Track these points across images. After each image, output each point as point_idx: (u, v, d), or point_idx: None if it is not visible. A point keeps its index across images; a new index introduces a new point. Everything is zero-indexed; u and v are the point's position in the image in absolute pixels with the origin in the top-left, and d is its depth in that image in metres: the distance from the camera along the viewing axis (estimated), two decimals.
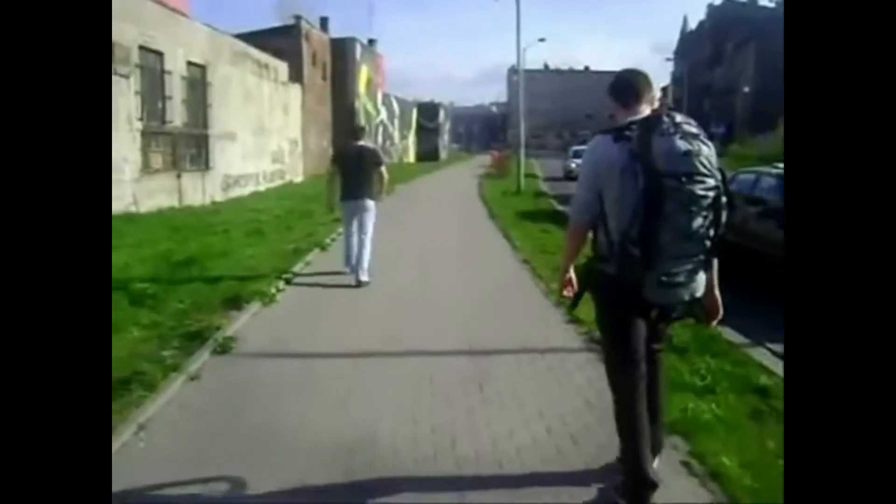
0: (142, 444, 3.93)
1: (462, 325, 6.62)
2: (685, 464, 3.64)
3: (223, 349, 5.68)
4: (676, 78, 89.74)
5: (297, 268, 9.33)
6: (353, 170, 8.63)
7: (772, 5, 68.76)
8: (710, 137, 3.02)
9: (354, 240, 8.63)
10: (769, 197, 8.49)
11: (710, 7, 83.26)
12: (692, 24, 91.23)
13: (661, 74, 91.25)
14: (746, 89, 62.14)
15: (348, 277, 8.54)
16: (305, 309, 7.32)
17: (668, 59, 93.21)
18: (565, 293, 3.51)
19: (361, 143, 8.98)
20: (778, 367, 5.23)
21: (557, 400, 4.63)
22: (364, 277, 8.41)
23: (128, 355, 5.42)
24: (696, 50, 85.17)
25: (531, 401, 4.61)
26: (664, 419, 3.59)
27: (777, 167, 9.23)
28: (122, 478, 3.50)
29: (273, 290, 7.74)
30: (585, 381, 4.95)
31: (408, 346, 5.92)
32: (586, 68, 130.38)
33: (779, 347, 5.70)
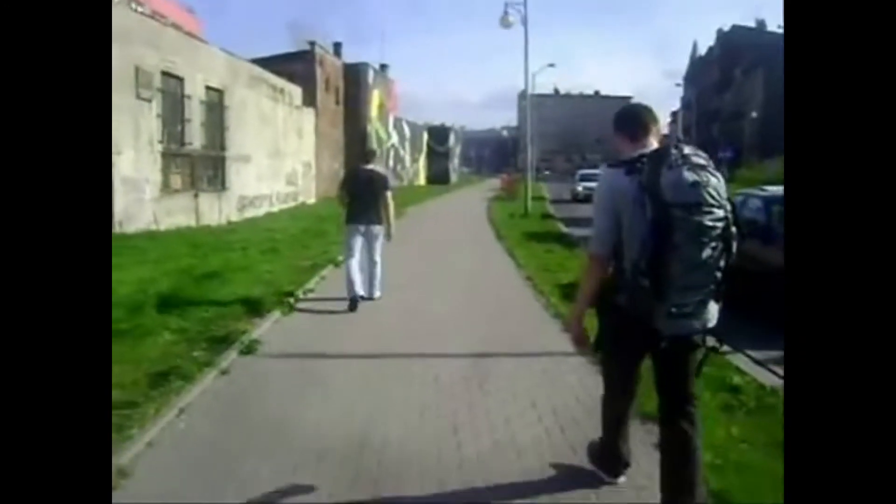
0: (182, 426, 4.50)
1: (467, 332, 7.18)
2: (656, 445, 4.15)
3: (248, 350, 6.27)
4: (686, 103, 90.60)
5: (314, 282, 9.88)
6: (361, 194, 8.54)
7: (780, 31, 69.34)
8: (719, 162, 3.16)
9: (357, 264, 8.41)
10: (756, 217, 9.05)
11: (720, 33, 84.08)
12: (702, 50, 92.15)
13: (671, 99, 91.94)
14: (754, 114, 62.74)
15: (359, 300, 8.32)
16: (321, 318, 7.87)
17: (677, 85, 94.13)
18: (577, 346, 3.56)
19: (371, 166, 8.92)
20: (752, 369, 5.74)
21: (550, 396, 5.15)
22: (377, 293, 8.62)
23: (161, 355, 6.00)
24: (705, 75, 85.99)
25: (526, 396, 5.13)
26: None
27: (764, 189, 9.81)
28: (166, 452, 4.08)
29: (292, 301, 8.32)
30: (576, 380, 5.48)
31: (416, 350, 6.48)
32: (596, 93, 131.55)
33: (757, 354, 6.21)
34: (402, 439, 4.33)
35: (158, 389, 4.95)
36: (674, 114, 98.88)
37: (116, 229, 15.47)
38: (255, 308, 7.78)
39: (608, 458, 3.77)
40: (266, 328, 7.14)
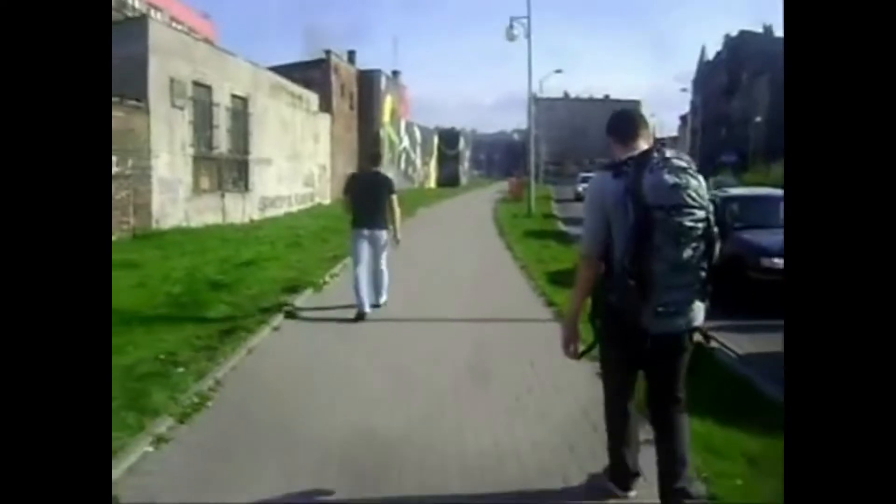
0: (252, 360, 6.15)
1: (466, 304, 8.87)
2: None
3: (291, 315, 7.89)
4: (694, 107, 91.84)
5: (338, 268, 11.46)
6: (365, 197, 8.23)
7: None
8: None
9: (364, 271, 8.16)
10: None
11: (727, 38, 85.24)
12: (710, 55, 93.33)
13: (682, 104, 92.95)
14: (759, 119, 63.95)
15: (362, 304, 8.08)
16: (347, 293, 9.39)
17: (683, 90, 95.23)
18: (569, 350, 3.50)
19: (377, 169, 8.79)
20: None
21: (525, 346, 6.73)
22: (383, 298, 8.46)
23: (222, 319, 7.56)
24: (712, 80, 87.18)
25: (508, 348, 6.72)
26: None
27: (724, 191, 11.47)
28: (245, 375, 5.69)
29: (321, 281, 9.95)
30: (546, 339, 6.91)
31: (425, 315, 8.17)
32: (606, 97, 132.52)
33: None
34: (413, 371, 5.91)
35: (230, 337, 6.57)
36: (683, 118, 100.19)
37: (153, 225, 17.13)
38: (291, 287, 9.38)
39: (616, 471, 3.65)
40: (303, 301, 8.78)
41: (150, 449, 4.13)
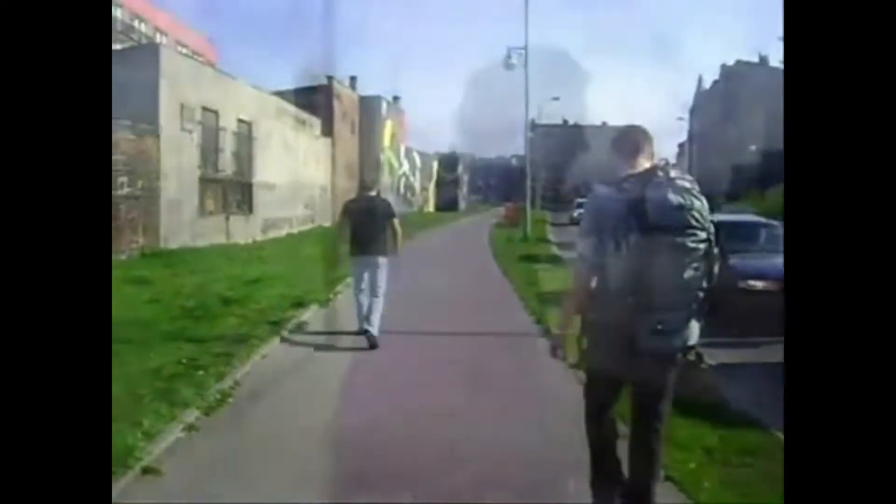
0: (267, 363, 6.80)
1: (461, 320, 9.53)
2: None
3: (298, 328, 8.49)
4: (691, 135, 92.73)
5: (341, 286, 12.04)
6: (363, 223, 8.09)
7: (782, 67, 70.88)
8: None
9: (365, 299, 8.05)
10: None
11: (724, 67, 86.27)
12: (707, 84, 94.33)
13: (678, 132, 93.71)
14: (753, 147, 64.60)
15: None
16: (349, 308, 9.95)
17: (679, 119, 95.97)
18: (556, 353, 3.50)
19: (373, 193, 8.61)
20: None
21: (515, 357, 7.35)
22: (374, 332, 7.78)
23: (233, 332, 8.14)
24: (709, 108, 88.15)
25: (492, 354, 7.35)
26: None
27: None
28: (261, 375, 6.33)
29: (326, 298, 10.58)
30: (530, 348, 7.61)
31: (421, 328, 8.82)
32: (604, 123, 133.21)
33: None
34: (410, 373, 6.52)
35: (244, 345, 7.19)
36: (681, 146, 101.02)
37: (161, 245, 17.74)
38: (298, 303, 10.00)
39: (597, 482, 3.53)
40: (308, 315, 9.41)
41: (182, 435, 4.73)
